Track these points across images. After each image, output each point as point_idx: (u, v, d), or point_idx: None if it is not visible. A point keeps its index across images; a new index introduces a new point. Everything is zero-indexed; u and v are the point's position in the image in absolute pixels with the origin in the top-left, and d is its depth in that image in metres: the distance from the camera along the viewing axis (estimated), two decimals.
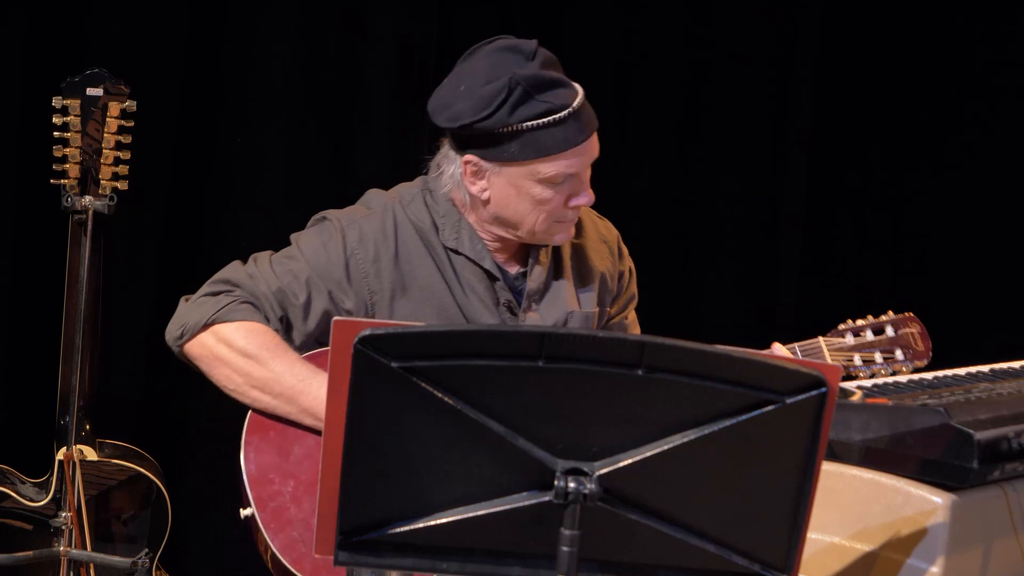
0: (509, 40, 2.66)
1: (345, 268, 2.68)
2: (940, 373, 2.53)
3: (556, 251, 2.81)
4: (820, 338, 2.74)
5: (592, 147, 2.65)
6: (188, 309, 2.70)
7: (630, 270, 2.94)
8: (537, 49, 2.63)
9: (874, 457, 2.18)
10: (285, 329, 2.68)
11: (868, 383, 2.39)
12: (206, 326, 2.66)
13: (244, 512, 2.63)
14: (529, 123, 2.58)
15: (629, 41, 4.44)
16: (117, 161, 3.38)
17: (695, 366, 1.78)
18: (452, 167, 2.69)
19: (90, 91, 3.34)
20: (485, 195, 2.67)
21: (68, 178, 3.35)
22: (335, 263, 2.68)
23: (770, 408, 1.81)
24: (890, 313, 2.74)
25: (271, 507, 2.59)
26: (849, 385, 2.33)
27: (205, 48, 3.93)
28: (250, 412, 2.67)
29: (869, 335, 2.71)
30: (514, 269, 2.77)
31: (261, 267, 2.70)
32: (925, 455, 2.13)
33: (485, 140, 2.61)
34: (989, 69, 4.77)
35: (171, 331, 2.72)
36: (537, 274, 2.76)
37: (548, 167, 2.61)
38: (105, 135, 3.36)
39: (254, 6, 3.96)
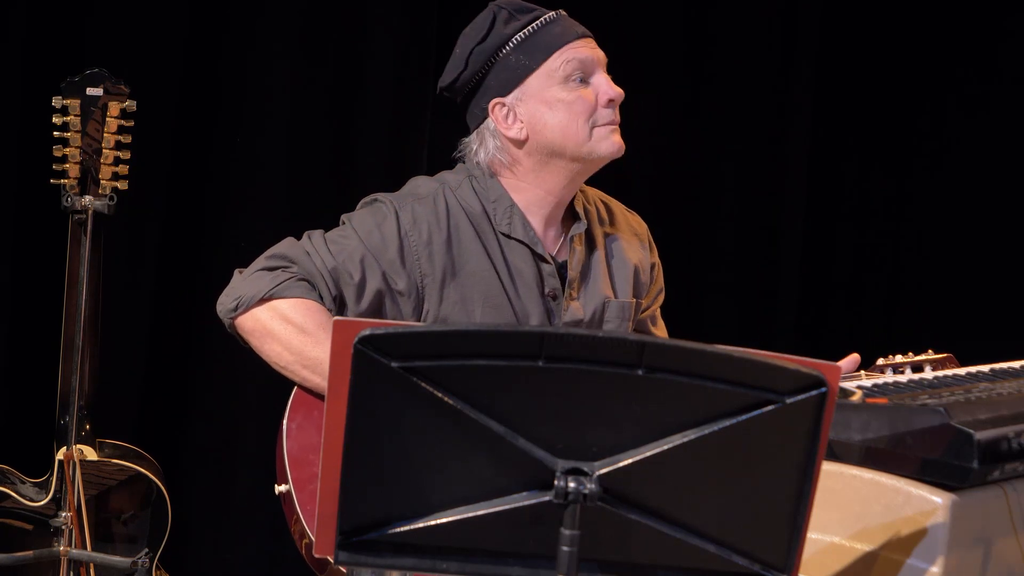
0: None
1: (399, 249, 2.68)
2: (940, 373, 2.53)
3: (590, 239, 2.82)
4: (861, 372, 2.73)
5: (596, 48, 2.73)
6: (243, 282, 2.67)
7: (658, 264, 2.96)
8: None
9: (874, 457, 2.18)
10: (338, 308, 2.66)
11: (868, 383, 2.39)
12: (262, 300, 2.63)
13: (279, 488, 2.60)
14: (524, 31, 2.69)
15: (628, 41, 4.44)
16: (117, 161, 3.38)
17: (695, 366, 1.78)
18: (485, 132, 2.74)
19: (90, 91, 3.34)
20: (523, 132, 2.71)
21: (68, 178, 3.35)
22: (389, 244, 2.68)
23: (770, 408, 1.80)
24: (930, 352, 2.71)
25: (309, 489, 2.56)
26: (849, 385, 2.32)
27: (205, 48, 3.93)
28: (295, 390, 2.65)
29: (908, 373, 2.69)
30: (559, 257, 2.79)
31: (316, 244, 2.68)
32: (925, 455, 2.13)
33: (496, 72, 2.70)
34: (991, 68, 4.78)
35: (224, 303, 2.68)
36: (576, 262, 2.78)
37: (559, 61, 2.69)
38: (105, 135, 3.36)
39: (254, 6, 3.96)
